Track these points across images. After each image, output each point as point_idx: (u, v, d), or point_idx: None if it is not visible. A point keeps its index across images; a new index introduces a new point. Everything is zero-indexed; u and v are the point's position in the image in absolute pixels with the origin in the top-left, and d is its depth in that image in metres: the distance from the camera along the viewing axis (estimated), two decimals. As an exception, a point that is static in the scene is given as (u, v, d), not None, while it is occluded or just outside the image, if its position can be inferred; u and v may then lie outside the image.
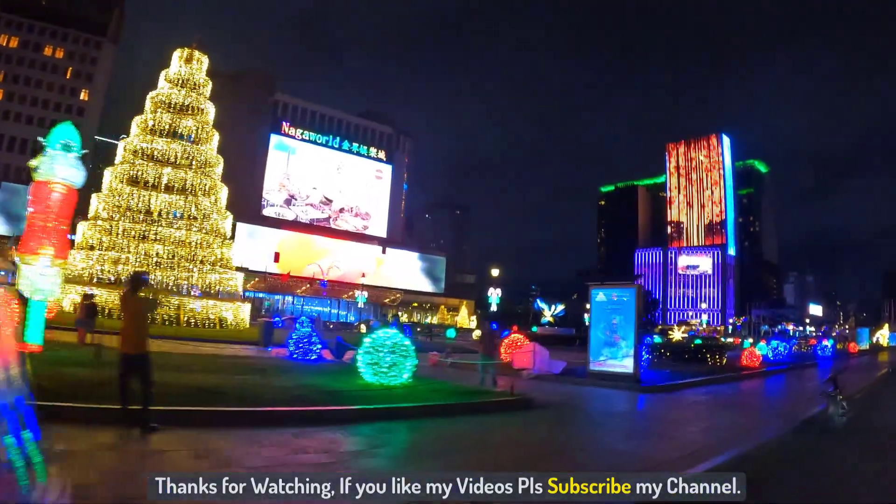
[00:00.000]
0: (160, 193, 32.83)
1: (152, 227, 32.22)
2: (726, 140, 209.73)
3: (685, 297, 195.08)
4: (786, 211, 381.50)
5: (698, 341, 36.57)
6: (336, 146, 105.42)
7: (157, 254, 31.86)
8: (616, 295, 16.89)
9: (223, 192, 36.30)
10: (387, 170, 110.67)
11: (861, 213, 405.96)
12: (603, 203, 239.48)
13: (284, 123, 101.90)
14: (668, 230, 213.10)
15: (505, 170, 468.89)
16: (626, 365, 16.06)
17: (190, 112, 36.35)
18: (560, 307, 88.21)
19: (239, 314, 33.59)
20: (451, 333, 63.62)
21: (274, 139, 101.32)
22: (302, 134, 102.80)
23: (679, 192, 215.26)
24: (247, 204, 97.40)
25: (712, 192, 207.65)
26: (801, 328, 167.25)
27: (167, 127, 35.22)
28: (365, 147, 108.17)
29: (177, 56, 37.59)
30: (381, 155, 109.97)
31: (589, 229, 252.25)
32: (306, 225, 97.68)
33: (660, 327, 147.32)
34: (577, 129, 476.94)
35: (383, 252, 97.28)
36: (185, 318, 30.18)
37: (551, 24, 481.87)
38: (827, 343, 45.74)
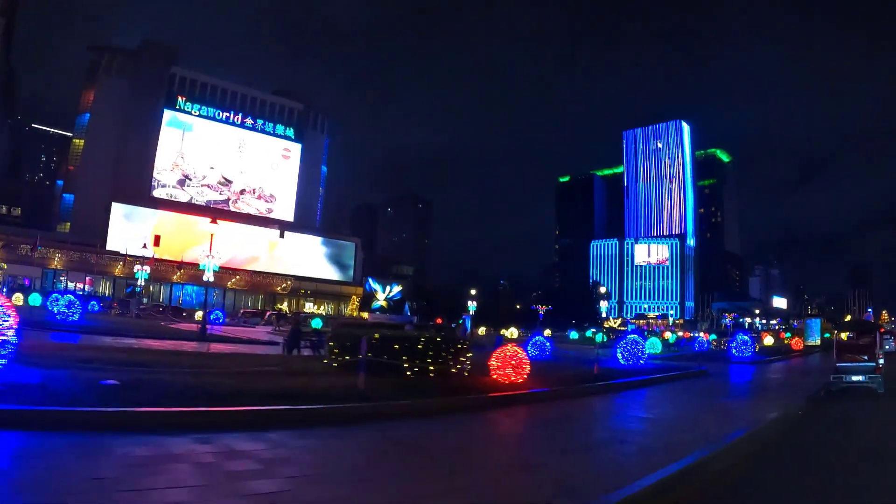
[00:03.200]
0: None
1: None
2: (686, 127, 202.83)
3: (642, 289, 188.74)
4: (752, 203, 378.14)
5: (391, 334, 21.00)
6: (237, 123, 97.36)
7: None
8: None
9: None
10: (296, 149, 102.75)
11: (832, 207, 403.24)
12: (561, 194, 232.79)
13: (180, 97, 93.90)
14: (626, 220, 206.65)
15: (469, 165, 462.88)
16: None
17: None
18: (397, 288, 75.85)
19: None
20: (316, 323, 57.73)
21: (168, 115, 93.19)
22: (199, 110, 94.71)
23: (637, 181, 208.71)
24: (133, 183, 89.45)
25: (671, 181, 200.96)
26: (763, 321, 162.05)
27: None
28: (271, 124, 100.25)
29: None
30: (290, 132, 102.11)
31: (550, 221, 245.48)
32: (194, 207, 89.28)
33: (611, 321, 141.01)
34: (541, 119, 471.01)
35: (281, 236, 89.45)
36: None
37: (509, 13, 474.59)
38: (745, 338, 34.27)
